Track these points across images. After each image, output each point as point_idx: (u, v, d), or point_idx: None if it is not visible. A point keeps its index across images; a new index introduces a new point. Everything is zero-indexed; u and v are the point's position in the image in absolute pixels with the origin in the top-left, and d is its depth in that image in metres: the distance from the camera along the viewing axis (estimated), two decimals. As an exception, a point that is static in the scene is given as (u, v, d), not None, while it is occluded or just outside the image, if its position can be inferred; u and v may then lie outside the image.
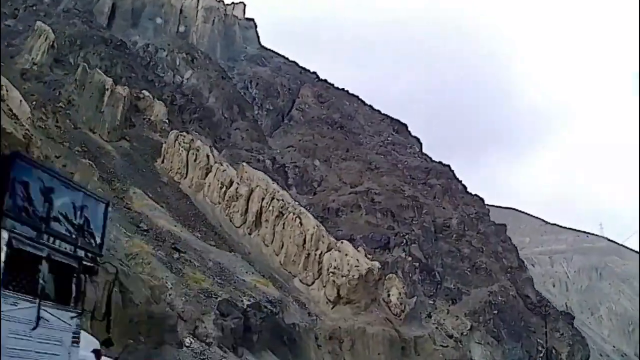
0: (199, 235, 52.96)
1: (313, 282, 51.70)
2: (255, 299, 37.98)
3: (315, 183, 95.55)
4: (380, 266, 53.32)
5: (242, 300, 37.08)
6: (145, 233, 44.65)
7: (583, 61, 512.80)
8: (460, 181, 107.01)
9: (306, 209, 63.77)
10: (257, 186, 61.49)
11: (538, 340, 79.80)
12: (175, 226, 51.41)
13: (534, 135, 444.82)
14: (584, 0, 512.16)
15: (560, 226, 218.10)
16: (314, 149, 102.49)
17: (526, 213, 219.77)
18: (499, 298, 79.58)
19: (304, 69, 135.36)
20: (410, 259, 76.61)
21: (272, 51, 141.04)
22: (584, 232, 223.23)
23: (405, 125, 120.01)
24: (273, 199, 58.89)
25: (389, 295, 56.30)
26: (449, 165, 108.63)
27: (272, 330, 38.43)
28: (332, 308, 48.33)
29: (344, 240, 54.68)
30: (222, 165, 67.57)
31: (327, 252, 52.01)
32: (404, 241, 79.44)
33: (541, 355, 77.84)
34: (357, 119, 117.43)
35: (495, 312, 77.42)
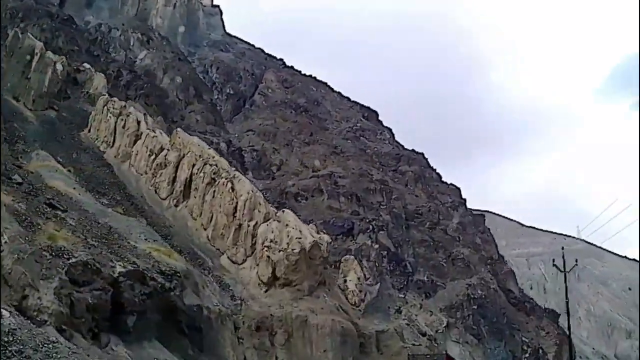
0: (106, 201, 40.14)
1: (245, 260, 39.19)
2: (137, 267, 25.15)
3: (274, 167, 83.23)
4: (330, 241, 40.95)
5: (113, 267, 24.29)
6: (16, 185, 32.13)
7: (561, 66, 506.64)
8: (435, 169, 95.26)
9: (262, 193, 51.41)
10: (189, 151, 48.90)
11: (523, 338, 67.78)
12: (74, 188, 38.61)
13: (510, 140, 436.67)
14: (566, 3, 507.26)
15: (537, 229, 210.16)
16: (275, 133, 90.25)
17: (502, 216, 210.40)
18: (479, 292, 67.54)
19: (269, 55, 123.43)
20: (377, 246, 64.32)
21: (237, 38, 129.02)
22: (561, 234, 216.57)
23: (375, 113, 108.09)
24: (206, 164, 46.32)
25: (345, 281, 43.91)
26: (422, 153, 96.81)
27: (164, 313, 25.81)
28: (265, 291, 35.89)
29: (285, 210, 42.06)
30: (154, 132, 54.88)
31: (264, 222, 39.44)
32: (371, 227, 67.21)
33: (527, 355, 65.74)
34: (324, 104, 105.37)
35: (475, 307, 65.35)
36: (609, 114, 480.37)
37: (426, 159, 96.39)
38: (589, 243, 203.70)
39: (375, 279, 60.48)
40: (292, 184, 76.50)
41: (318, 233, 39.93)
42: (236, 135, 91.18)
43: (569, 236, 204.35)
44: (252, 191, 42.02)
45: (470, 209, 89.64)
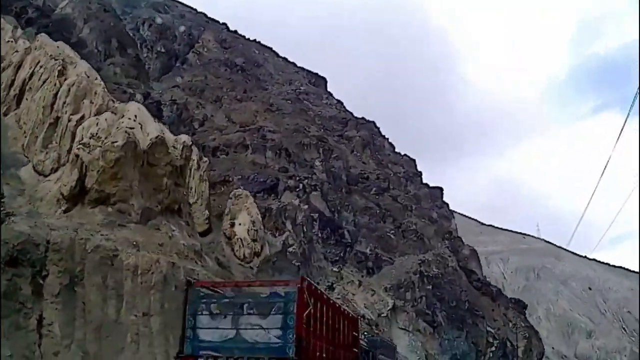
0: None
1: (55, 169, 22.48)
2: None
3: (197, 123, 66.58)
4: (191, 142, 24.63)
5: None
6: None
7: (524, 62, 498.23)
8: (387, 138, 79.92)
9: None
10: (36, 49, 31.92)
11: (488, 328, 52.41)
12: None
13: (470, 137, 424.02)
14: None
15: (496, 227, 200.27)
16: (203, 89, 73.71)
17: (461, 214, 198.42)
18: (434, 269, 52.02)
19: (212, 19, 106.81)
20: (306, 207, 48.21)
21: (178, 2, 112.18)
22: (521, 233, 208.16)
23: (324, 80, 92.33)
24: (52, 58, 29.40)
25: (232, 225, 27.53)
26: (373, 122, 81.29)
27: None
28: (63, 211, 19.30)
29: (135, 102, 25.59)
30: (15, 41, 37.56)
31: (94, 116, 22.95)
32: (301, 186, 51.16)
33: (492, 348, 50.42)
34: (266, 67, 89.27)
35: (429, 287, 49.77)
36: (571, 114, 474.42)
37: (377, 128, 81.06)
38: (548, 242, 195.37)
39: (301, 246, 44.45)
40: (213, 139, 60.11)
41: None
42: (160, 91, 74.46)
43: (529, 235, 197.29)
44: (86, 75, 25.42)
45: (427, 183, 74.54)
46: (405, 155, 78.16)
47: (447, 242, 58.48)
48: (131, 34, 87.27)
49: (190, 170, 27.38)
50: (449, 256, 55.87)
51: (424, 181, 74.47)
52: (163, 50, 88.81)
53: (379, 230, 54.24)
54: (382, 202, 57.78)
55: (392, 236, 54.27)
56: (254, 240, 27.13)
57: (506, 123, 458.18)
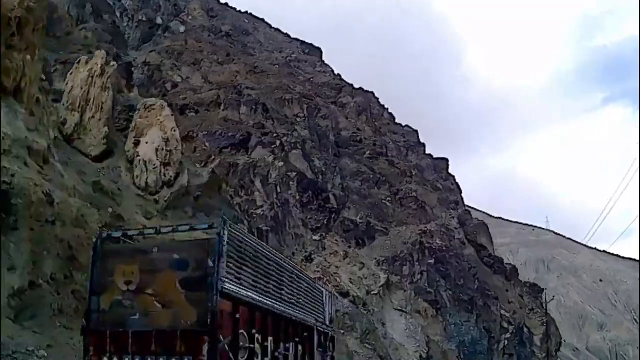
0: None
1: None
2: None
3: (169, 84, 57.29)
4: None
5: None
6: None
7: (536, 53, 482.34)
8: (387, 108, 70.09)
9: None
10: None
11: (502, 311, 42.47)
12: None
13: (476, 130, 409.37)
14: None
15: (504, 219, 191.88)
16: (182, 52, 64.40)
17: (468, 206, 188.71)
18: (438, 241, 42.17)
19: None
20: (282, 165, 38.62)
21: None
22: (529, 225, 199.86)
23: (319, 50, 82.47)
24: None
25: (137, 144, 17.89)
26: (372, 92, 71.39)
27: None
28: None
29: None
30: None
31: None
32: (278, 143, 41.55)
33: (508, 334, 40.51)
34: (256, 35, 79.83)
35: (432, 261, 40.00)
36: (580, 106, 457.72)
37: (377, 98, 71.17)
38: (557, 234, 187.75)
39: (273, 209, 34.94)
40: (184, 98, 50.82)
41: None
42: (134, 58, 65.31)
43: (538, 227, 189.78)
44: None
45: (430, 153, 64.53)
46: (407, 126, 68.32)
47: (452, 212, 48.60)
48: (110, 2, 78.37)
49: (92, 77, 18.20)
50: (455, 228, 46.03)
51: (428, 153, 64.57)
52: (144, 19, 79.44)
53: (372, 197, 44.54)
54: (376, 166, 48.09)
55: (387, 203, 44.58)
56: (165, 165, 17.74)
57: (512, 114, 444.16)
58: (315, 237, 36.81)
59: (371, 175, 46.48)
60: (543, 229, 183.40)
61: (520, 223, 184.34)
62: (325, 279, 33.08)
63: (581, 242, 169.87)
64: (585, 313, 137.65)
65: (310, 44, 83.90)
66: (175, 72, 59.38)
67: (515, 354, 42.51)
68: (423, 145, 65.51)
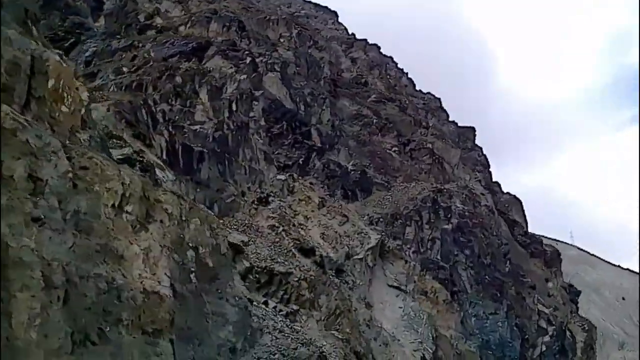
0: None
1: None
2: None
3: (143, 15, 45.56)
4: None
5: None
6: None
7: (567, 69, 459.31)
8: (406, 73, 57.22)
9: None
10: None
11: (539, 307, 29.15)
12: None
13: (504, 144, 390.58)
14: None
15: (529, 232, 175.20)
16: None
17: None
18: (457, 204, 29.21)
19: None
20: (244, 78, 26.34)
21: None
22: (554, 239, 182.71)
23: (335, 14, 69.93)
24: None
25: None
26: (391, 57, 58.51)
27: None
28: None
29: None
30: None
31: None
32: (249, 60, 29.25)
33: (547, 336, 27.32)
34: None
35: (448, 226, 27.05)
36: (608, 122, 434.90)
37: (396, 63, 58.35)
38: (581, 250, 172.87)
39: (223, 130, 22.75)
40: (151, 22, 38.88)
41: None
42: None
43: (562, 242, 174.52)
44: None
45: (454, 121, 51.35)
46: (428, 93, 55.42)
47: (477, 175, 35.66)
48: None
49: None
50: (482, 194, 32.97)
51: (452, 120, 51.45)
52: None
53: (373, 145, 31.97)
54: (382, 110, 35.41)
55: (393, 154, 31.90)
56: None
57: (540, 130, 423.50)
58: (281, 177, 24.36)
59: (375, 120, 33.96)
60: (568, 244, 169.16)
61: (545, 237, 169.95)
62: (281, 228, 20.57)
63: (605, 259, 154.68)
64: (606, 331, 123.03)
65: (325, 7, 71.74)
66: (152, 5, 47.85)
67: (556, 366, 29.41)
68: (446, 112, 52.54)
